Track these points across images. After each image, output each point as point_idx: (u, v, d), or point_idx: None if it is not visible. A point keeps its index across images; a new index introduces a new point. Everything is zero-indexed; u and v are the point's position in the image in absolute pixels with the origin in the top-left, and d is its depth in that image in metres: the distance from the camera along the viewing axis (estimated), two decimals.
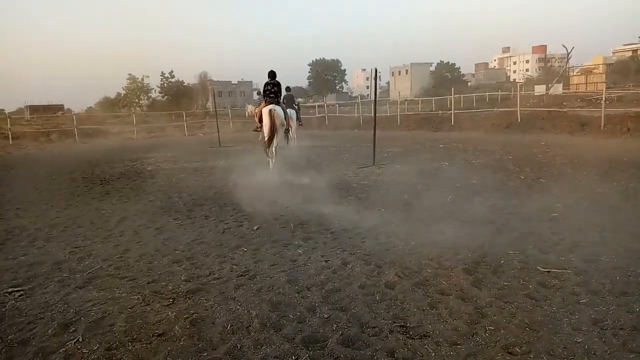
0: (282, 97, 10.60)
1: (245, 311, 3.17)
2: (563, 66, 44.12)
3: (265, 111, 9.58)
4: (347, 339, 2.76)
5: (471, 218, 5.44)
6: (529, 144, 13.08)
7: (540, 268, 3.76)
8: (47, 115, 40.62)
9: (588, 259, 3.93)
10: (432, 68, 79.95)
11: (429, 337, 2.76)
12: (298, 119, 13.00)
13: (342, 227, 5.30)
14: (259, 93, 22.27)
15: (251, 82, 79.50)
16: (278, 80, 9.91)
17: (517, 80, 67.84)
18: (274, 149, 9.59)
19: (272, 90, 9.81)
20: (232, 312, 3.16)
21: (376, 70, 11.34)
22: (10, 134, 22.13)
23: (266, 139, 9.46)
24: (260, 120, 9.76)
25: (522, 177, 7.91)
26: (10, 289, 3.73)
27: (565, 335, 2.72)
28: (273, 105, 9.64)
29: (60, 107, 56.12)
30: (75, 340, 2.85)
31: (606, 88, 19.10)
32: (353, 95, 79.55)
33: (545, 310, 3.04)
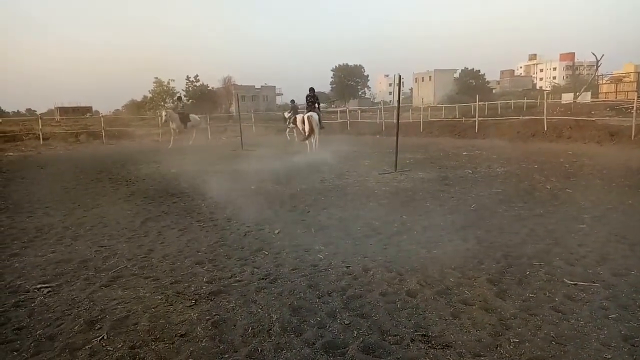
0: (318, 105, 15.37)
1: (266, 315, 3.19)
2: (592, 74, 43.11)
3: (305, 117, 14.61)
4: (368, 347, 2.75)
5: (495, 227, 5.35)
6: (555, 153, 12.80)
7: (566, 280, 3.67)
8: (76, 116, 41.83)
9: (617, 272, 3.82)
10: (456, 74, 79.15)
11: (451, 347, 2.72)
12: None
13: (364, 233, 5.28)
14: (177, 101, 21.10)
15: (274, 86, 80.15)
16: (315, 93, 15.21)
17: (543, 88, 66.62)
18: (311, 140, 14.85)
19: (310, 100, 14.97)
20: (253, 315, 3.18)
21: (400, 77, 11.29)
22: (41, 134, 22.83)
23: (306, 134, 14.76)
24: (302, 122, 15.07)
25: (548, 187, 7.74)
26: (39, 285, 3.84)
27: (593, 350, 2.64)
28: (311, 112, 14.60)
29: (88, 109, 57.75)
30: (100, 337, 2.91)
31: (637, 97, 18.55)
32: (375, 101, 79.37)
33: (572, 324, 2.96)
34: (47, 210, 6.97)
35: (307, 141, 15.03)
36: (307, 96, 15.25)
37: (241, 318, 3.15)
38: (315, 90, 15.55)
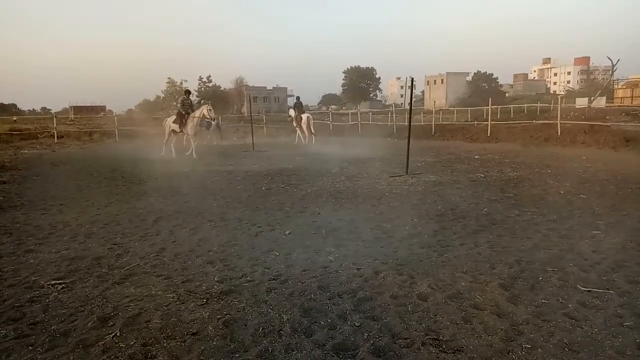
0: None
1: (277, 315, 3.19)
2: (607, 79, 42.50)
3: (305, 117, 19.83)
4: (378, 349, 2.74)
5: (507, 232, 5.30)
6: (569, 158, 12.65)
7: (580, 287, 3.62)
8: (90, 115, 42.38)
9: (632, 279, 3.76)
10: (469, 78, 78.74)
11: (462, 351, 2.70)
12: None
13: (374, 235, 5.27)
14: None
15: (286, 88, 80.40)
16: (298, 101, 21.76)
17: (557, 92, 65.92)
18: (310, 134, 19.67)
19: (298, 107, 20.87)
20: (264, 315, 3.19)
21: (412, 79, 11.25)
22: (55, 132, 23.17)
23: (305, 131, 19.76)
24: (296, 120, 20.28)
25: (562, 192, 7.65)
26: (53, 281, 3.89)
27: (607, 358, 2.61)
28: (308, 114, 20.36)
29: (102, 108, 58.52)
30: (113, 334, 2.94)
31: None
32: (387, 104, 79.21)
33: (585, 331, 2.92)
34: (61, 208, 7.06)
35: (300, 133, 20.49)
36: (295, 104, 21.57)
37: (252, 318, 3.16)
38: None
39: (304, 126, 19.49)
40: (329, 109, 47.88)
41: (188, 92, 15.76)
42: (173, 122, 14.81)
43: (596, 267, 4.07)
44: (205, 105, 15.03)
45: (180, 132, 14.89)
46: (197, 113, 14.50)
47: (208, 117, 14.49)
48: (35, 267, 4.30)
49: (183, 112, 14.65)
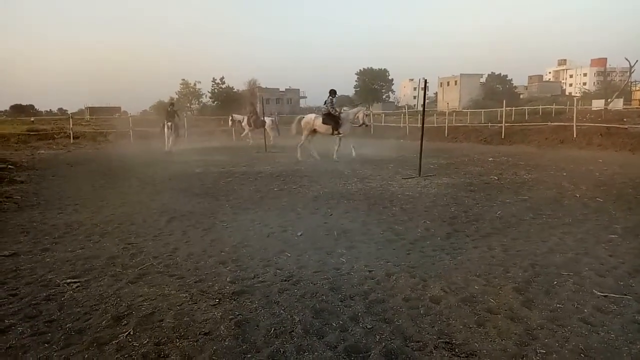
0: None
1: (289, 316, 3.20)
2: (625, 80, 41.75)
3: (267, 119, 20.83)
4: (390, 352, 2.72)
5: (522, 235, 5.24)
6: (585, 161, 12.47)
7: (596, 292, 3.56)
8: (105, 116, 42.98)
9: None
10: (483, 79, 78.01)
11: (475, 355, 2.67)
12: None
13: (386, 237, 5.24)
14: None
15: (298, 89, 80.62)
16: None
17: (573, 94, 65.04)
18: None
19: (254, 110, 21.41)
20: (276, 316, 3.19)
21: (425, 81, 11.20)
22: (71, 133, 23.54)
23: (270, 133, 20.23)
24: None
25: (577, 195, 7.54)
26: (68, 280, 3.95)
27: None
28: (271, 117, 21.62)
29: (117, 109, 59.28)
30: (127, 333, 2.97)
31: None
32: (399, 105, 78.86)
33: (602, 336, 2.87)
34: (77, 208, 7.16)
35: (249, 133, 21.75)
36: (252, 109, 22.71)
37: (264, 319, 3.17)
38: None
39: (269, 128, 20.39)
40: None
41: (334, 93, 15.02)
42: (323, 123, 14.59)
43: (613, 272, 4.00)
44: (363, 109, 15.54)
45: (334, 133, 14.56)
46: (351, 116, 14.66)
47: (362, 122, 14.64)
48: (51, 265, 4.37)
49: (334, 113, 14.54)
